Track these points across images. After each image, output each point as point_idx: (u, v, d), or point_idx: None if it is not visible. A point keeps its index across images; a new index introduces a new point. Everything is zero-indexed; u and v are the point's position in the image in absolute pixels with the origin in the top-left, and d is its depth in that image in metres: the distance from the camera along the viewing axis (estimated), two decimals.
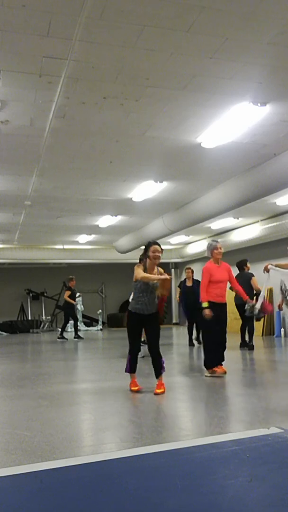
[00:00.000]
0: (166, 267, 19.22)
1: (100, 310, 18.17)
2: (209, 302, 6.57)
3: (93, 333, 16.33)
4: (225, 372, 6.61)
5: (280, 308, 9.51)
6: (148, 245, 5.54)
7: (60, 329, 13.76)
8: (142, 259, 5.71)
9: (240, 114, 5.55)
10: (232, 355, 9.01)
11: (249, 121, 5.78)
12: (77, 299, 14.25)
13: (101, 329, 17.34)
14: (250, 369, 7.73)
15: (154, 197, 9.59)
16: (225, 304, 6.81)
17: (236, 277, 9.64)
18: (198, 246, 16.17)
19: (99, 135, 6.24)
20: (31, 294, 19.09)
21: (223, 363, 6.78)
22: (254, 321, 9.28)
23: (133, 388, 5.58)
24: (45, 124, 5.73)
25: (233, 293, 8.65)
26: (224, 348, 6.84)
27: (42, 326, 17.89)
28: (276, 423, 3.82)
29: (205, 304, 6.52)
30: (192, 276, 10.85)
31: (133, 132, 6.13)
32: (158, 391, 5.36)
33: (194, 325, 10.80)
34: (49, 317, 18.28)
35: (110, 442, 3.76)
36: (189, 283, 10.82)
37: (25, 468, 3.00)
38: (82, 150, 6.80)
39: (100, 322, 17.70)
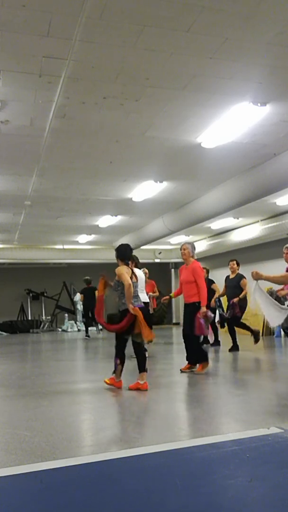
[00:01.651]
0: (166, 267, 19.26)
1: None
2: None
3: (93, 333, 16.31)
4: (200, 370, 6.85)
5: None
6: None
7: (84, 329, 14.09)
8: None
9: (240, 114, 5.55)
10: (232, 355, 9.02)
11: (249, 121, 5.78)
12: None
13: (101, 329, 17.32)
14: (250, 369, 7.73)
15: (154, 197, 9.58)
16: (191, 304, 6.83)
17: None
18: (198, 246, 16.11)
19: (99, 135, 6.24)
20: (31, 294, 19.07)
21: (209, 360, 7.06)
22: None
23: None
24: (45, 124, 5.73)
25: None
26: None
27: (42, 326, 17.87)
28: (276, 423, 3.82)
29: None
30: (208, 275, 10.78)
31: (133, 132, 6.13)
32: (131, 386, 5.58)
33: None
34: (49, 317, 18.26)
35: (110, 442, 3.75)
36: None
37: (25, 468, 3.00)
38: (82, 150, 6.80)
39: None
